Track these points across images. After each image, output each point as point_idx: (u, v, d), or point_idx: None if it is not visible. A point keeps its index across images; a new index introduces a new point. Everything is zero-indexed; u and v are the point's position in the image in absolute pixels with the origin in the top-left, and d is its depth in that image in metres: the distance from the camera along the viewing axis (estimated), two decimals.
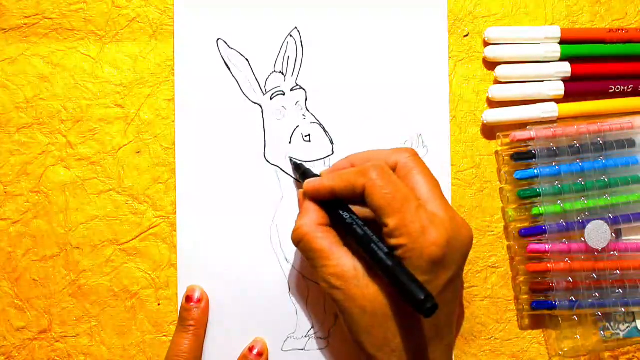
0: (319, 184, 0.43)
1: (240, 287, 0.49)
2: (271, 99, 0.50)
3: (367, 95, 0.50)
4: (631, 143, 0.49)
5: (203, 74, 0.50)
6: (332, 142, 0.50)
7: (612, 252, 0.49)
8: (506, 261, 0.51)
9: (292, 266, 0.49)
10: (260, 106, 0.50)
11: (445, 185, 0.49)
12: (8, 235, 0.49)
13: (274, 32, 0.50)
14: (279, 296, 0.49)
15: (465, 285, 0.50)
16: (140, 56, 0.50)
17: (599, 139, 0.49)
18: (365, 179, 0.41)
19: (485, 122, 0.50)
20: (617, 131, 0.50)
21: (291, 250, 0.49)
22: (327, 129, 0.50)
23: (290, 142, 0.50)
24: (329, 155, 0.50)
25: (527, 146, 0.50)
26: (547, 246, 0.49)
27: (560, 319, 0.49)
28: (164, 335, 0.49)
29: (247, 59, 0.50)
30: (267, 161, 0.50)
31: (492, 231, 0.51)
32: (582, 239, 0.48)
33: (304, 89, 0.50)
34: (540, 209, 0.49)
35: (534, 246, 0.49)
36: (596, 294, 0.49)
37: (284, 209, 0.49)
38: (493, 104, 0.51)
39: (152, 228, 0.50)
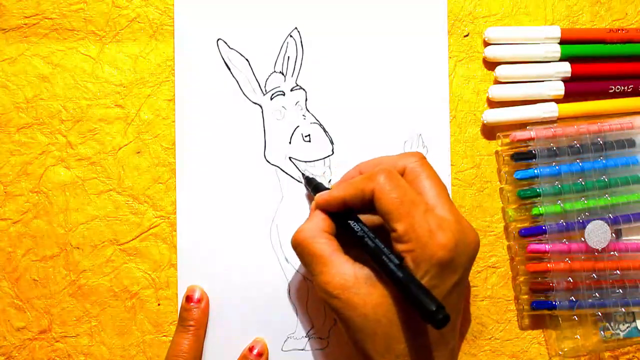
0: (329, 196, 0.43)
1: (240, 287, 0.49)
2: (271, 99, 0.50)
3: (367, 95, 0.50)
4: (631, 143, 0.49)
5: (203, 74, 0.50)
6: (332, 142, 0.50)
7: (612, 252, 0.49)
8: (506, 261, 0.51)
9: (292, 266, 0.49)
10: (260, 106, 0.50)
11: (445, 185, 0.49)
12: (8, 235, 0.49)
13: (274, 32, 0.50)
14: (279, 296, 0.49)
15: None
16: (140, 56, 0.50)
17: (599, 139, 0.49)
18: (373, 184, 0.41)
19: (485, 122, 0.50)
20: (617, 131, 0.50)
21: (291, 250, 0.49)
22: (327, 129, 0.50)
23: (290, 142, 0.50)
24: (329, 155, 0.50)
25: (527, 146, 0.50)
26: (547, 246, 0.49)
27: (560, 319, 0.49)
28: (164, 335, 0.49)
29: (247, 59, 0.50)
30: (267, 161, 0.50)
31: (492, 231, 0.51)
32: (582, 239, 0.48)
33: (304, 89, 0.50)
34: (540, 209, 0.49)
35: (534, 246, 0.49)
36: (596, 294, 0.49)
37: (284, 209, 0.49)
38: (493, 104, 0.51)
39: (152, 228, 0.50)
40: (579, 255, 0.49)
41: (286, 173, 0.50)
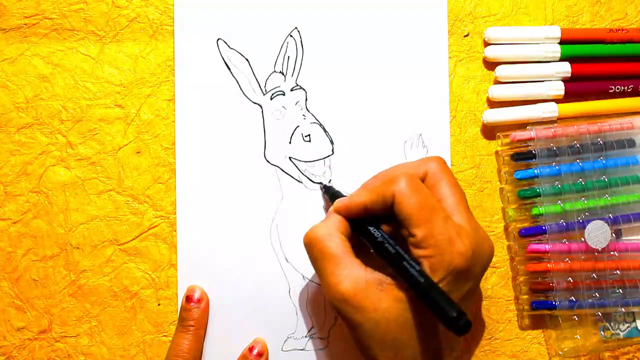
0: (349, 201, 0.43)
1: (240, 287, 0.49)
2: (271, 99, 0.50)
3: (367, 95, 0.50)
4: (631, 143, 0.49)
5: (203, 74, 0.50)
6: (332, 142, 0.50)
7: (612, 252, 0.49)
8: (506, 261, 0.51)
9: (292, 266, 0.49)
10: (260, 106, 0.50)
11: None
12: (8, 235, 0.49)
13: (274, 32, 0.50)
14: (279, 296, 0.49)
15: None
16: (140, 56, 0.50)
17: (599, 139, 0.49)
18: (394, 188, 0.41)
19: (485, 122, 0.50)
20: (617, 131, 0.50)
21: (291, 250, 0.49)
22: (327, 129, 0.50)
23: (290, 142, 0.50)
24: (329, 155, 0.50)
25: (527, 146, 0.50)
26: (547, 246, 0.49)
27: (560, 319, 0.49)
28: (164, 335, 0.49)
29: (247, 59, 0.50)
30: (267, 161, 0.50)
31: (492, 231, 0.51)
32: (582, 239, 0.48)
33: (304, 89, 0.50)
34: (540, 209, 0.49)
35: (534, 246, 0.49)
36: (596, 294, 0.49)
37: (284, 209, 0.49)
38: (493, 104, 0.51)
39: (152, 228, 0.50)
40: (579, 255, 0.49)
41: (286, 173, 0.50)
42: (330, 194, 0.48)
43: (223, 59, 0.50)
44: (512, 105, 0.50)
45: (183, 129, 0.50)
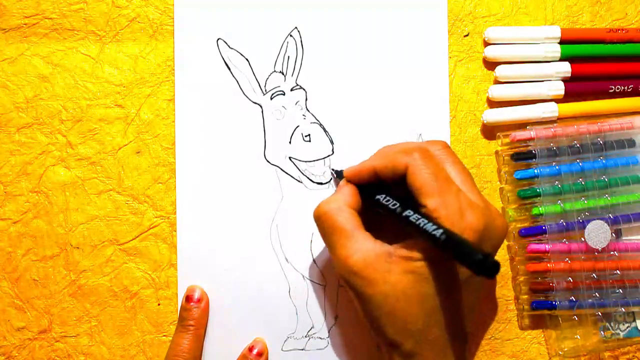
0: (360, 166, 0.44)
1: (240, 287, 0.49)
2: (271, 98, 0.50)
3: (367, 95, 0.50)
4: (631, 143, 0.49)
5: (203, 74, 0.50)
6: (332, 142, 0.50)
7: (612, 252, 0.49)
8: (506, 261, 0.51)
9: (292, 266, 0.49)
10: (260, 106, 0.50)
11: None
12: (8, 235, 0.49)
13: (274, 32, 0.50)
14: (279, 296, 0.49)
15: None
16: (140, 56, 0.50)
17: (599, 139, 0.49)
18: (408, 158, 0.41)
19: (485, 122, 0.50)
20: (617, 131, 0.50)
21: (291, 250, 0.49)
22: (327, 129, 0.50)
23: (290, 142, 0.50)
24: (329, 155, 0.50)
25: (527, 146, 0.50)
26: (547, 246, 0.49)
27: (560, 319, 0.49)
28: (164, 335, 0.49)
29: (247, 59, 0.50)
30: (267, 161, 0.50)
31: None
32: (582, 239, 0.48)
33: (304, 89, 0.50)
34: (540, 209, 0.49)
35: (534, 246, 0.49)
36: (596, 294, 0.49)
37: (284, 209, 0.49)
38: (493, 104, 0.51)
39: (152, 228, 0.50)
40: (579, 255, 0.49)
41: (286, 173, 0.50)
42: (342, 178, 0.47)
43: (223, 59, 0.50)
44: (512, 105, 0.50)
45: (183, 129, 0.50)
